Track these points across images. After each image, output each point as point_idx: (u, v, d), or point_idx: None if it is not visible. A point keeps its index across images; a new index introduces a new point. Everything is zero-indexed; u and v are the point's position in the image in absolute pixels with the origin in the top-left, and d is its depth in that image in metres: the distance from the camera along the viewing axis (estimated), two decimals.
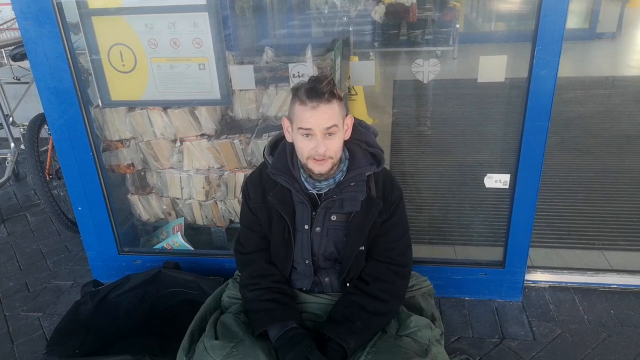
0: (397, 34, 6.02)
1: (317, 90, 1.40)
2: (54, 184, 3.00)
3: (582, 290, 2.25)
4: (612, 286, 2.25)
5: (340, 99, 1.46)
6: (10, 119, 3.38)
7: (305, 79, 2.07)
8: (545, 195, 2.71)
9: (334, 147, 1.46)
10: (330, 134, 1.44)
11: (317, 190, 1.54)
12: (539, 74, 1.76)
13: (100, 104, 2.19)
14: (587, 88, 5.04)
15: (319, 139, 1.43)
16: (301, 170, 1.54)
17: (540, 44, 1.71)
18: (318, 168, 1.47)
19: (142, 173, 2.49)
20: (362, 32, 5.17)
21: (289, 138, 1.55)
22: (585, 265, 2.37)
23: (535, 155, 1.90)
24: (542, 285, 2.29)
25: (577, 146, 3.70)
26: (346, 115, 1.51)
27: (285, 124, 1.53)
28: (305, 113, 1.41)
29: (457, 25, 6.02)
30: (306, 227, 1.56)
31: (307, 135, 1.44)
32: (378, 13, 5.77)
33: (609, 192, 3.05)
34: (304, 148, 1.46)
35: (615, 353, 1.92)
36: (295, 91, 1.46)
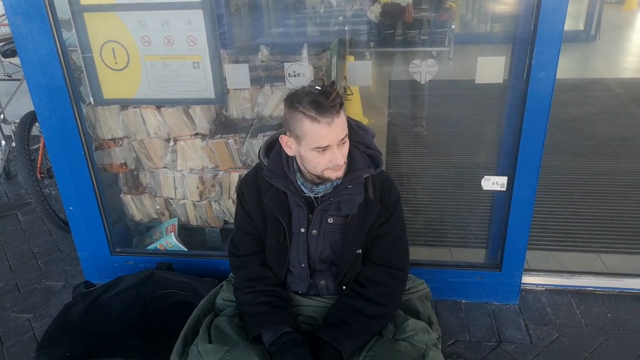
0: (392, 34, 6.04)
1: (328, 105, 1.34)
2: (46, 182, 2.96)
3: (579, 293, 2.25)
4: (609, 289, 2.24)
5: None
6: (1, 116, 3.33)
7: (301, 78, 2.06)
8: (540, 198, 2.69)
9: (346, 152, 1.45)
10: (343, 142, 1.42)
11: (314, 194, 1.51)
12: (537, 76, 1.75)
13: (92, 102, 2.15)
14: (582, 90, 5.05)
15: (335, 150, 1.40)
16: (297, 174, 1.51)
17: (539, 45, 1.70)
18: (335, 174, 1.45)
19: (135, 172, 2.46)
20: (357, 31, 5.16)
21: (290, 153, 1.48)
22: (581, 268, 2.36)
23: (532, 158, 1.89)
24: (539, 289, 2.28)
25: (571, 148, 3.70)
26: None
27: (285, 140, 1.46)
28: (321, 131, 1.36)
29: (453, 26, 6.04)
30: (302, 230, 1.53)
31: (324, 150, 1.40)
32: (374, 13, 5.78)
33: (605, 195, 3.05)
34: (320, 163, 1.42)
35: (612, 357, 1.91)
36: (297, 106, 1.37)
